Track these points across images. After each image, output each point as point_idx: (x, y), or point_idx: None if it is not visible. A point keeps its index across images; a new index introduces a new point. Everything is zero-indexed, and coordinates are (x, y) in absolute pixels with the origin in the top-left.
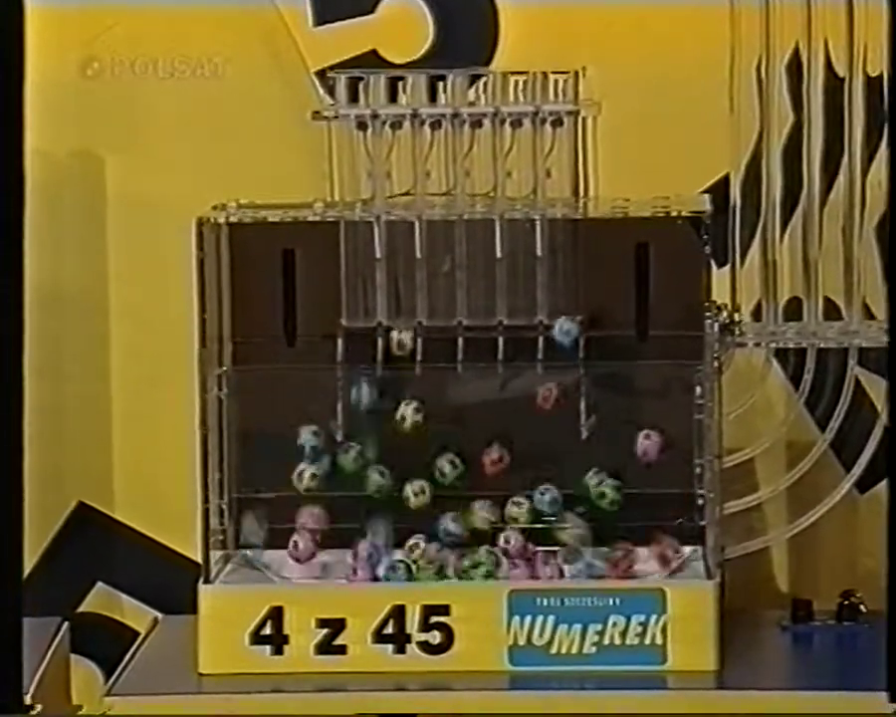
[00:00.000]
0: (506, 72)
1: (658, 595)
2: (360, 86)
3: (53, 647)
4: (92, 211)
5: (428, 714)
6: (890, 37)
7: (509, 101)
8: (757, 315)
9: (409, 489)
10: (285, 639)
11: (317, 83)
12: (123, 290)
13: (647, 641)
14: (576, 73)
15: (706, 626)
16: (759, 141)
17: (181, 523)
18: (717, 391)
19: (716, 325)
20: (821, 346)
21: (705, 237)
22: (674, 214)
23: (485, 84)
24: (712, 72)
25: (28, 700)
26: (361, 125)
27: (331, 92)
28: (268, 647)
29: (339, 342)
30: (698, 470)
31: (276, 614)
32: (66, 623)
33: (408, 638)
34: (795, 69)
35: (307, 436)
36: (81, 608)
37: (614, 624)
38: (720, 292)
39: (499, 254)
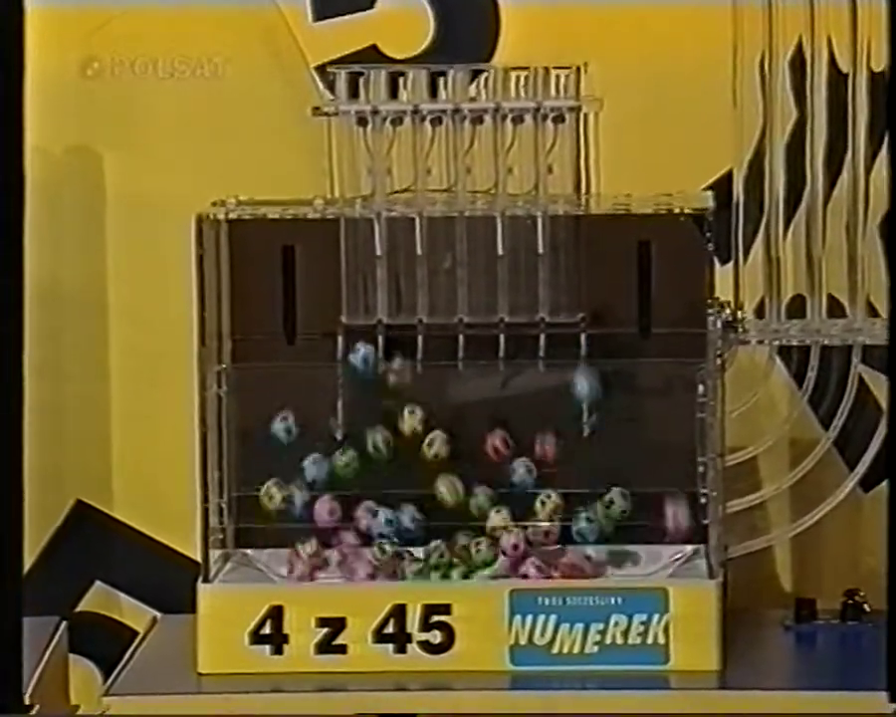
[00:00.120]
0: (507, 67)
1: (660, 594)
2: (361, 81)
3: (51, 647)
4: (91, 210)
5: (429, 714)
6: (890, 36)
7: (510, 96)
8: (760, 312)
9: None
10: (284, 639)
11: (317, 78)
12: (123, 288)
13: (649, 641)
14: (578, 68)
15: (708, 626)
16: (762, 137)
17: (180, 522)
18: (719, 389)
19: (719, 322)
20: (825, 343)
21: (708, 234)
22: (677, 211)
23: (486, 79)
24: (714, 67)
25: (26, 700)
26: (362, 121)
27: (331, 87)
28: (267, 647)
29: (340, 339)
30: (700, 469)
31: (275, 614)
32: (64, 623)
33: (409, 638)
34: (799, 64)
35: (278, 426)
36: (79, 608)
37: (616, 624)
38: (723, 289)
39: (500, 251)
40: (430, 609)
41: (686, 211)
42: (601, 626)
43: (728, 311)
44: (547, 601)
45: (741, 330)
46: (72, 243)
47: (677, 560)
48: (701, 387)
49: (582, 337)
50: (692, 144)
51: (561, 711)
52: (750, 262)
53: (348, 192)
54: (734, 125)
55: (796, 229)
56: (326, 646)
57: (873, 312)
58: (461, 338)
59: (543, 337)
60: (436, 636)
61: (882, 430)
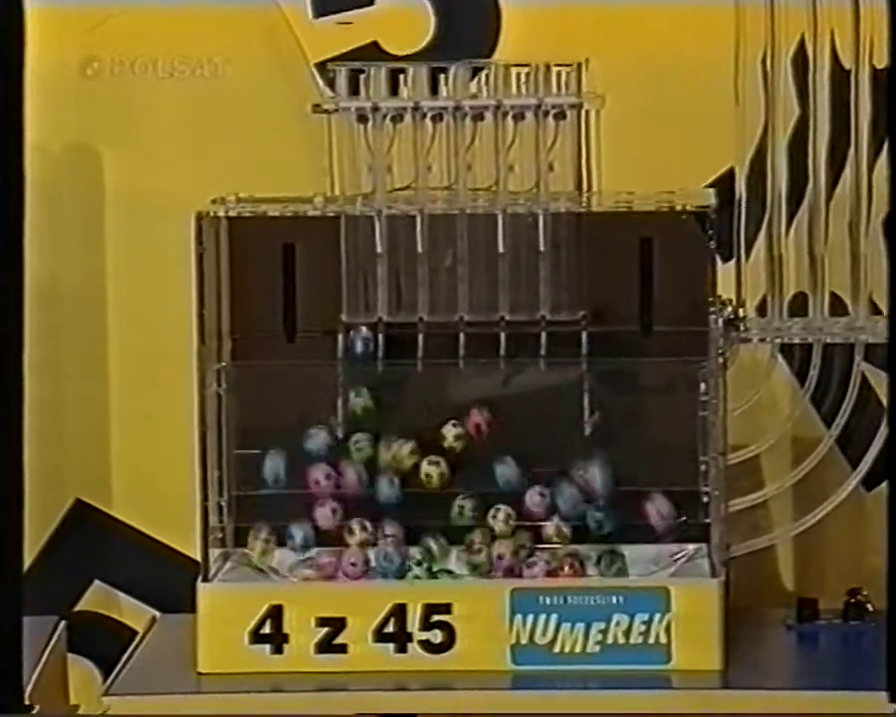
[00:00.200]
0: (508, 64)
1: (662, 593)
2: (361, 78)
3: (50, 646)
4: (90, 209)
5: (429, 714)
6: (891, 35)
7: (511, 93)
8: (762, 310)
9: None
10: (284, 638)
11: (317, 75)
12: (122, 287)
13: (651, 640)
14: (580, 65)
15: (710, 625)
16: (764, 135)
17: (180, 521)
18: (721, 387)
19: (720, 320)
20: (827, 341)
21: (710, 231)
22: (678, 208)
23: (487, 76)
24: (717, 64)
25: (25, 700)
26: (362, 119)
27: (331, 84)
28: (267, 646)
29: (340, 337)
30: (702, 467)
31: (275, 613)
32: (63, 622)
33: (409, 637)
34: (801, 61)
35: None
36: (78, 607)
37: (618, 623)
38: (725, 287)
39: (501, 249)
40: (431, 609)
41: (688, 209)
42: (603, 626)
43: (730, 309)
44: (548, 601)
45: (743, 328)
46: (71, 242)
47: (678, 559)
48: (703, 386)
49: (584, 335)
50: (694, 141)
51: (563, 711)
52: (752, 260)
53: (349, 190)
54: (736, 122)
55: (799, 226)
56: (326, 646)
57: (876, 309)
58: (462, 336)
59: (544, 335)
60: (437, 636)
61: (884, 429)
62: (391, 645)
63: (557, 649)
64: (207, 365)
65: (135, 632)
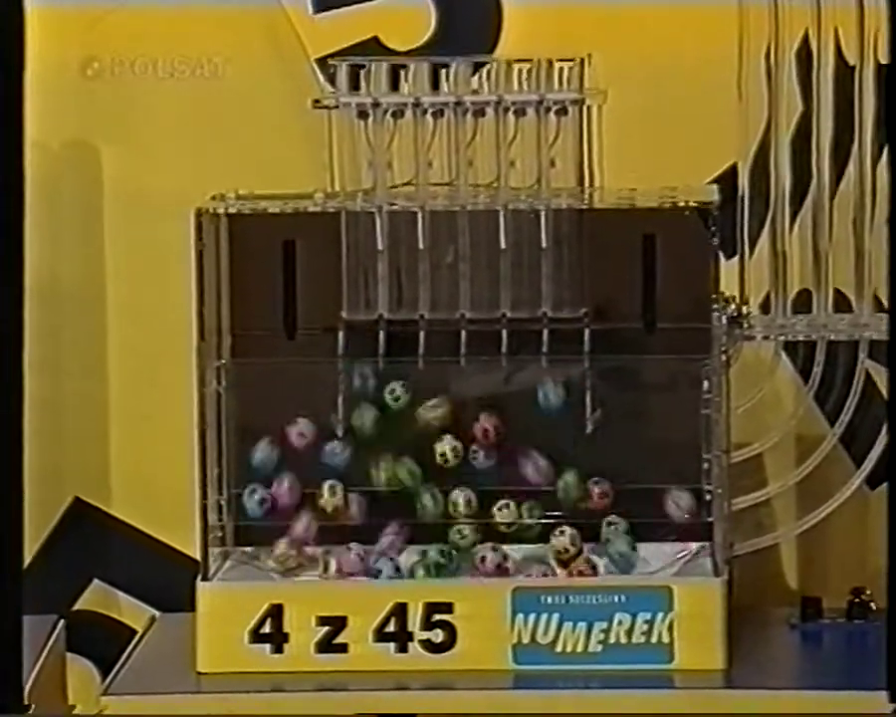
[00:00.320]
0: (510, 60)
1: (665, 592)
2: (362, 74)
3: (49, 646)
4: (90, 207)
5: (430, 714)
6: (891, 35)
7: (512, 89)
8: (765, 307)
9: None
10: (285, 638)
11: (317, 71)
12: (122, 285)
13: (653, 639)
14: (582, 60)
15: (713, 624)
16: (767, 130)
17: (179, 519)
18: (725, 385)
19: (724, 317)
20: (831, 338)
21: (713, 228)
22: (681, 205)
23: (488, 72)
24: (720, 59)
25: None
26: (362, 114)
27: (331, 80)
28: (267, 646)
29: (340, 334)
30: (706, 465)
31: (276, 612)
32: (62, 621)
33: (410, 637)
34: (805, 57)
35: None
36: (77, 606)
37: (620, 622)
38: (728, 284)
39: (503, 245)
40: (432, 608)
41: (691, 205)
42: (605, 625)
43: (733, 306)
44: (549, 600)
45: (746, 325)
46: (71, 240)
47: (682, 557)
48: (706, 383)
49: (586, 332)
50: (697, 137)
51: (565, 711)
52: (755, 256)
53: (349, 186)
54: (739, 118)
55: (803, 223)
56: (326, 645)
57: (880, 306)
58: (463, 333)
59: (546, 332)
60: (438, 635)
61: (886, 427)
62: (392, 645)
63: (558, 649)
64: (207, 363)
65: (135, 632)
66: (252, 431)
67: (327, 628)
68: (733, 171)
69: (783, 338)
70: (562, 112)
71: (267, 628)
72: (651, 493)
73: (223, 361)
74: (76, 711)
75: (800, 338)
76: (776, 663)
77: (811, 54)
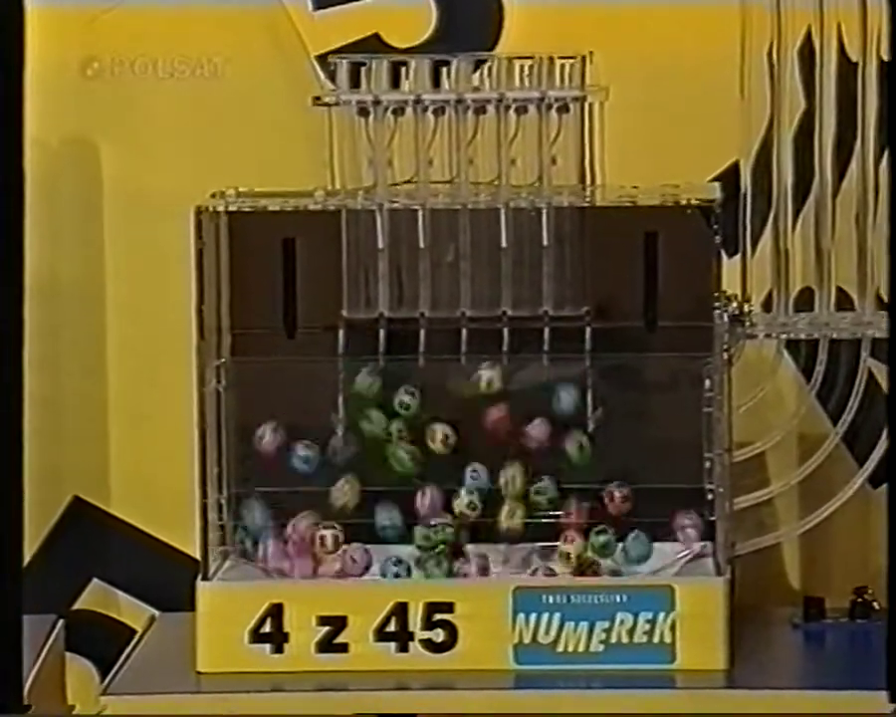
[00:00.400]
0: (511, 57)
1: (667, 591)
2: (362, 71)
3: (48, 645)
4: (89, 206)
5: (431, 714)
6: (891, 34)
7: (514, 86)
8: (767, 305)
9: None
10: (285, 637)
11: (318, 68)
12: (121, 283)
13: (655, 639)
14: (583, 58)
15: (715, 624)
16: (770, 128)
17: (179, 518)
18: (727, 384)
19: (726, 316)
20: (834, 337)
21: (715, 226)
22: (683, 202)
23: (489, 69)
24: (722, 57)
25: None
26: (363, 112)
27: (332, 77)
28: (268, 646)
29: (341, 333)
30: (708, 464)
31: (276, 612)
32: (61, 621)
33: (411, 636)
34: (807, 54)
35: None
36: (76, 606)
37: (622, 622)
38: (730, 282)
39: (504, 243)
40: (433, 608)
41: (693, 203)
42: (607, 625)
43: (735, 304)
44: (551, 599)
45: (748, 323)
46: (70, 239)
47: (684, 557)
48: (708, 382)
49: (587, 330)
50: (699, 135)
51: (566, 711)
52: (757, 254)
53: (350, 184)
54: (741, 116)
55: (805, 221)
56: (326, 645)
57: (882, 304)
58: (464, 332)
59: (547, 330)
60: (439, 635)
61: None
62: (393, 644)
63: (560, 648)
64: (207, 362)
65: (134, 631)
66: (252, 430)
67: (327, 628)
68: (735, 169)
69: (785, 336)
70: (564, 109)
71: (267, 628)
72: (651, 493)
73: (223, 360)
74: (75, 711)
75: (803, 336)
76: (778, 663)
77: (814, 51)
